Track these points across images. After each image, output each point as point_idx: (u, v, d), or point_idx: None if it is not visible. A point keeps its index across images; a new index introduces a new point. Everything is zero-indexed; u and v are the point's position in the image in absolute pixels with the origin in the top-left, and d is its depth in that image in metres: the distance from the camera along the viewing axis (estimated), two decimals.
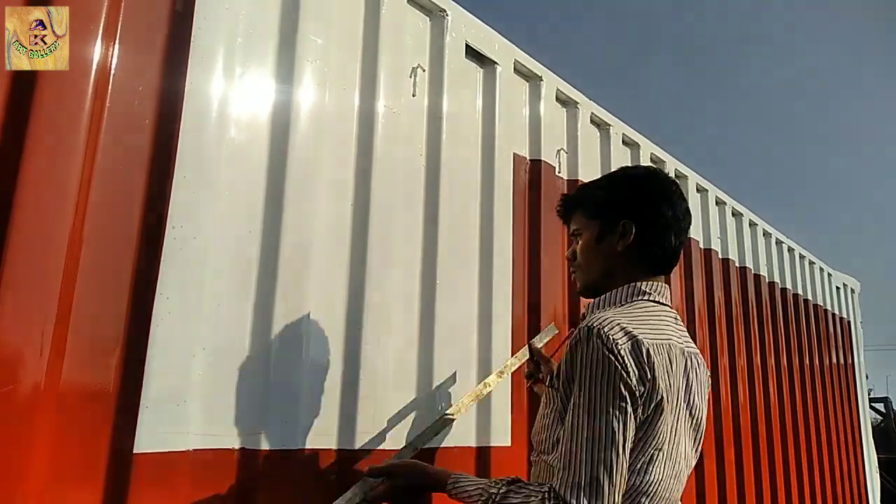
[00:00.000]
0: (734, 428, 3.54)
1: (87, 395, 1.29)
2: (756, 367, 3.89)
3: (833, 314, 5.39)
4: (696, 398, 1.31)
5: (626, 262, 1.34)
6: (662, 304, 1.33)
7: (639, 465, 1.18)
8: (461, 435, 2.01)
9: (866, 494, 5.45)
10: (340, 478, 1.66)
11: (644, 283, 1.32)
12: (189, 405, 1.42)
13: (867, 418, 5.98)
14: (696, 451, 1.36)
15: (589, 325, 1.18)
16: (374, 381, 1.76)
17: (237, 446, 1.50)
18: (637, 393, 1.14)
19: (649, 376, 1.16)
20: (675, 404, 1.22)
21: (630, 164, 1.53)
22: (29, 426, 1.19)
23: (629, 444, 1.14)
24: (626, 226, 1.32)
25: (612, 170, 2.88)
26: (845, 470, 5.08)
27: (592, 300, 1.38)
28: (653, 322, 1.25)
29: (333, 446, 1.68)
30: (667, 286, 1.37)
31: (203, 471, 1.43)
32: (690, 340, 1.38)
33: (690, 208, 1.42)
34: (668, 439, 1.21)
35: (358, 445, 1.71)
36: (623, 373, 1.13)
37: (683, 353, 1.29)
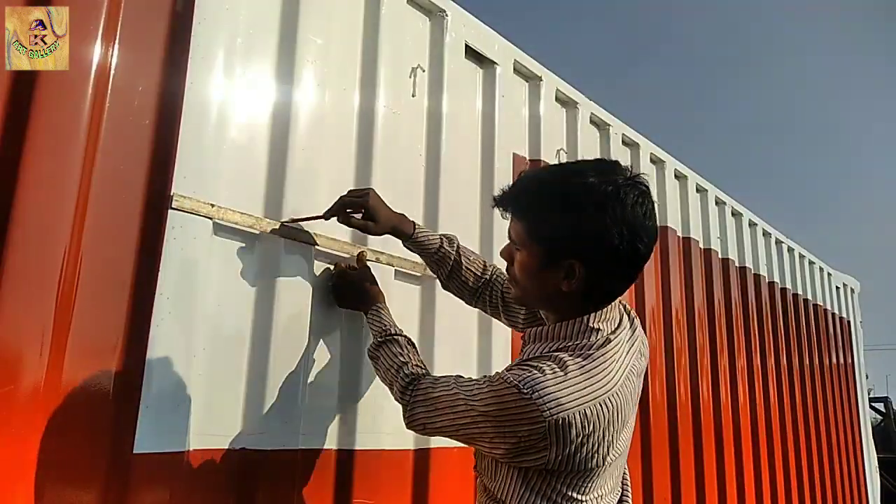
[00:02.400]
0: (734, 427, 3.54)
1: (87, 395, 1.29)
2: (756, 366, 3.89)
3: (833, 314, 5.39)
4: (634, 401, 1.25)
5: (572, 297, 1.18)
6: (611, 332, 1.19)
7: (565, 496, 1.16)
8: None
9: (866, 494, 5.45)
10: (340, 478, 1.66)
11: (593, 317, 1.18)
12: (189, 405, 1.42)
13: (867, 418, 5.98)
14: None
15: (516, 378, 1.10)
16: (374, 382, 1.76)
17: (237, 447, 1.50)
18: (543, 457, 1.12)
19: (577, 445, 1.11)
20: (617, 446, 1.19)
21: (597, 160, 1.40)
22: (29, 426, 1.19)
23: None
24: (572, 267, 1.14)
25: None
26: (845, 470, 5.08)
27: (531, 330, 1.27)
28: (600, 374, 1.13)
29: (333, 446, 1.68)
30: (614, 305, 1.23)
31: (203, 471, 1.43)
32: (642, 335, 1.30)
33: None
34: (602, 476, 1.20)
35: (358, 446, 1.71)
36: (527, 440, 1.10)
37: (632, 374, 1.21)
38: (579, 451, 1.12)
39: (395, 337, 1.52)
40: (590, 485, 1.18)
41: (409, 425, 1.37)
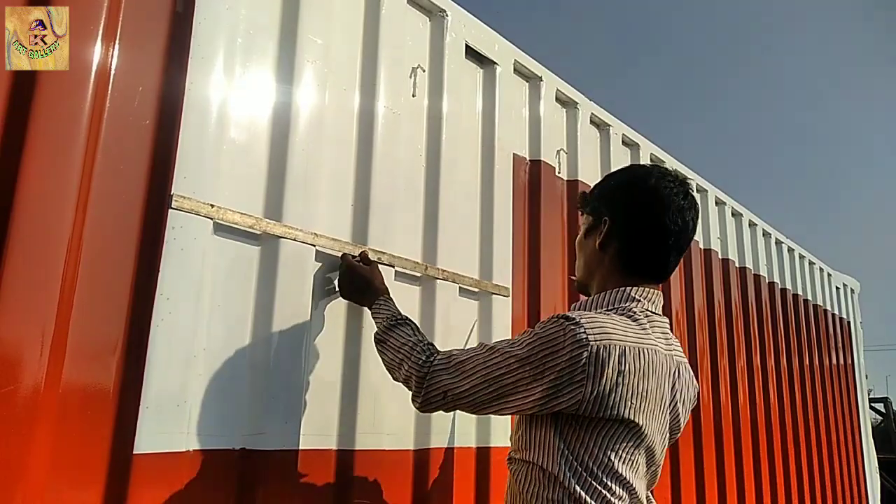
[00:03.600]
0: (734, 428, 3.54)
1: (87, 396, 1.29)
2: (756, 367, 3.89)
3: (833, 314, 5.39)
4: (679, 405, 1.31)
5: (609, 263, 1.30)
6: (653, 312, 1.28)
7: (600, 462, 1.18)
8: (461, 436, 2.01)
9: (866, 495, 5.45)
10: (340, 478, 1.66)
11: (634, 289, 1.27)
12: (189, 406, 1.42)
13: (867, 419, 5.97)
14: (664, 449, 1.35)
15: (566, 314, 1.19)
16: (374, 381, 1.76)
17: (237, 446, 1.50)
18: (574, 387, 1.14)
19: (612, 383, 1.15)
20: (646, 408, 1.20)
21: (638, 164, 1.52)
22: (29, 427, 1.19)
23: (519, 398, 1.19)
24: (605, 222, 1.30)
25: (612, 170, 2.90)
26: (845, 470, 5.07)
27: (576, 304, 1.35)
28: (639, 327, 1.22)
29: (333, 446, 1.68)
30: (660, 294, 1.32)
31: (203, 471, 1.43)
32: (681, 352, 1.36)
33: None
34: (631, 440, 1.21)
35: (358, 445, 1.71)
36: (574, 365, 1.14)
37: (672, 360, 1.28)
38: (613, 391, 1.15)
39: (406, 320, 1.53)
40: (622, 448, 1.19)
41: (427, 395, 1.34)
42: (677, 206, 1.26)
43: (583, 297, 1.36)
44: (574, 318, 1.16)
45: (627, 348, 1.17)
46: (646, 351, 1.20)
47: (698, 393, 1.43)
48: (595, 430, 1.18)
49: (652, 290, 1.30)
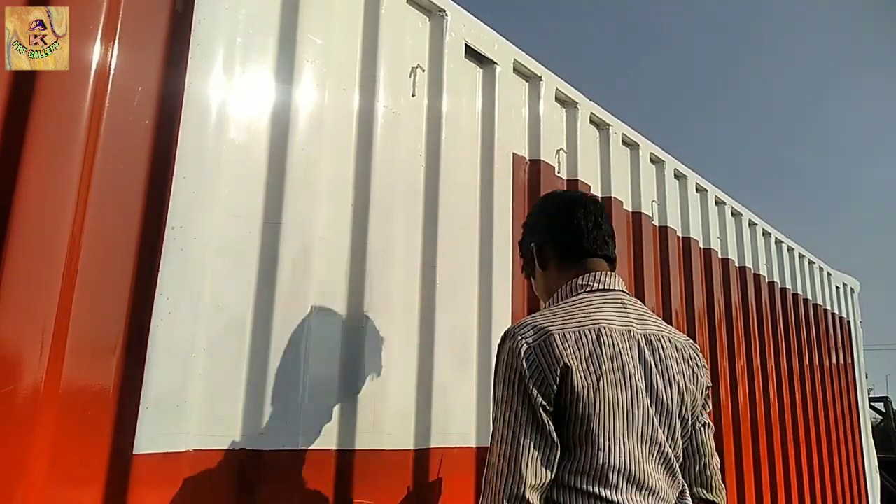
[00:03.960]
0: (734, 427, 3.54)
1: (88, 396, 1.29)
2: (756, 366, 3.89)
3: (833, 314, 5.39)
4: (657, 377, 1.27)
5: (556, 271, 1.41)
6: (606, 290, 1.34)
7: (575, 448, 1.18)
8: (461, 436, 2.01)
9: (866, 494, 5.45)
10: (340, 478, 1.66)
11: (580, 276, 1.36)
12: (189, 406, 1.42)
13: (867, 418, 5.98)
14: (668, 430, 1.28)
15: (506, 329, 1.26)
16: (374, 382, 1.76)
17: (237, 447, 1.50)
18: (545, 387, 1.17)
19: (559, 366, 1.17)
20: (606, 385, 1.20)
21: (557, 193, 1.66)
22: (29, 426, 1.19)
23: (546, 443, 1.17)
24: (531, 250, 1.44)
25: (612, 169, 2.91)
26: (845, 470, 5.08)
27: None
28: (583, 312, 1.27)
29: (333, 446, 1.67)
30: (610, 273, 1.38)
31: (203, 471, 1.43)
32: (650, 321, 1.34)
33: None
34: (599, 419, 1.19)
35: (358, 445, 1.71)
36: (526, 373, 1.18)
37: (630, 335, 1.27)
38: (564, 381, 1.17)
39: None
40: (588, 440, 1.18)
41: None
42: (566, 200, 1.47)
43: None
44: (508, 334, 1.25)
45: (566, 334, 1.21)
46: (588, 331, 1.22)
47: (706, 371, 1.42)
48: (570, 426, 1.19)
49: (598, 273, 1.37)
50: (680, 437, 1.29)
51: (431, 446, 1.89)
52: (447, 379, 1.98)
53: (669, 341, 1.34)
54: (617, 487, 1.16)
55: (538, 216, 1.49)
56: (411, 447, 1.86)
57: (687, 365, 1.36)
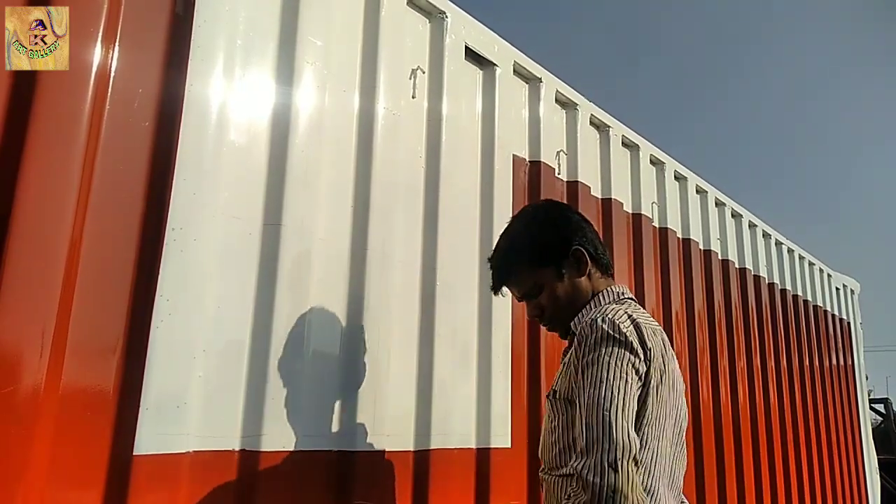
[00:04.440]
0: (734, 428, 3.54)
1: (88, 397, 1.29)
2: (756, 368, 3.89)
3: (833, 315, 5.39)
4: (679, 384, 1.37)
5: (589, 281, 1.42)
6: (636, 301, 1.42)
7: (645, 443, 1.23)
8: (461, 436, 2.01)
9: (866, 496, 5.44)
10: (340, 478, 1.66)
11: (616, 285, 1.43)
12: (189, 406, 1.42)
13: (867, 419, 5.97)
14: (681, 438, 1.38)
15: (592, 318, 1.27)
16: (374, 381, 1.76)
17: (237, 447, 1.50)
18: (640, 370, 1.22)
19: (649, 356, 1.23)
20: (668, 384, 1.29)
21: (538, 202, 1.72)
22: (29, 427, 1.19)
23: (632, 419, 1.19)
24: (577, 253, 1.40)
25: (612, 171, 2.90)
26: (845, 471, 5.07)
27: (575, 318, 1.40)
28: (643, 313, 1.35)
29: (333, 447, 1.67)
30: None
31: (203, 472, 1.43)
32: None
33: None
34: (665, 416, 1.27)
35: (358, 445, 1.71)
36: (629, 351, 1.21)
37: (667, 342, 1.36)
38: (653, 376, 1.24)
39: None
40: (662, 435, 1.26)
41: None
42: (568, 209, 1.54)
43: (580, 312, 1.41)
44: (606, 323, 1.24)
45: (651, 329, 1.28)
46: (658, 330, 1.31)
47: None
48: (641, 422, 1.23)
49: (623, 285, 1.45)
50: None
51: (431, 447, 1.89)
52: (447, 379, 1.98)
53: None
54: (659, 493, 1.23)
55: (569, 220, 1.45)
56: (411, 448, 1.86)
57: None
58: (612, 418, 1.15)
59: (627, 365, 1.20)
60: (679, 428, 1.33)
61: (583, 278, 1.41)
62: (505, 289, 1.50)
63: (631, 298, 1.41)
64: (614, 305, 1.33)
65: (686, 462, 1.39)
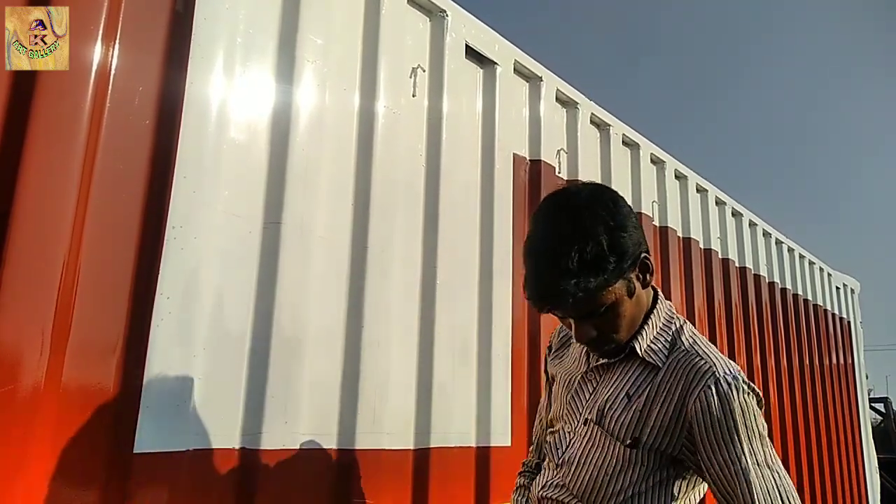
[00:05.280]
0: None
1: (87, 395, 1.29)
2: (756, 367, 3.89)
3: (833, 314, 5.38)
4: None
5: (646, 294, 1.20)
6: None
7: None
8: (461, 435, 2.01)
9: (866, 495, 5.45)
10: (340, 478, 1.66)
11: (661, 301, 1.23)
12: (189, 405, 1.42)
13: (867, 418, 5.97)
14: None
15: (726, 373, 1.10)
16: (374, 381, 1.76)
17: (237, 446, 1.50)
18: None
19: None
20: None
21: (578, 185, 1.26)
22: (29, 426, 1.19)
23: None
24: (645, 262, 1.14)
25: (612, 170, 2.90)
26: (845, 470, 5.07)
27: (640, 333, 1.19)
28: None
29: (333, 446, 1.68)
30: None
31: (203, 470, 1.43)
32: None
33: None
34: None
35: (358, 445, 1.71)
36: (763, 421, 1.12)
37: None
38: None
39: None
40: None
41: None
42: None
43: (639, 327, 1.20)
44: (742, 380, 1.12)
45: None
46: None
47: None
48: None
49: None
50: None
51: (431, 445, 1.89)
52: (447, 379, 1.99)
53: None
54: None
55: (629, 219, 1.13)
56: (411, 447, 1.86)
57: None
58: (790, 488, 1.09)
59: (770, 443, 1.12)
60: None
61: (641, 294, 1.17)
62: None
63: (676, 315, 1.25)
64: (698, 338, 1.19)
65: None
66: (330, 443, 1.67)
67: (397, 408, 1.83)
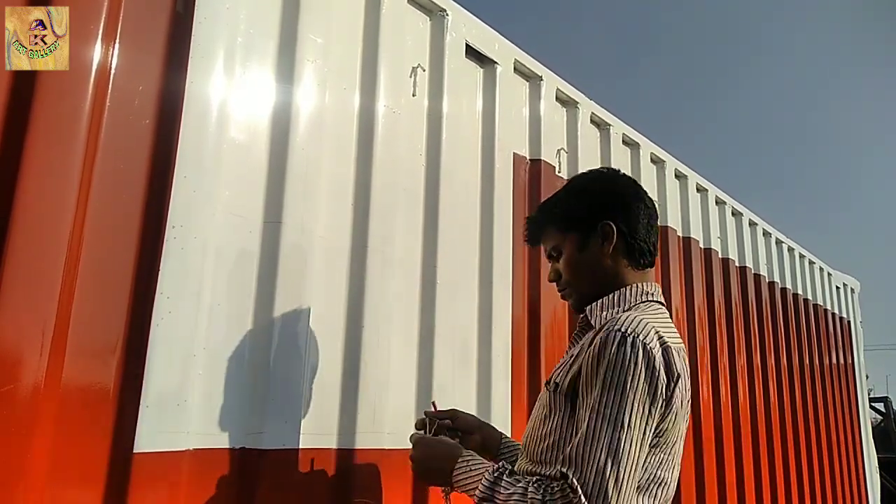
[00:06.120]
0: (734, 427, 3.54)
1: (87, 395, 1.29)
2: (756, 366, 3.89)
3: (833, 314, 5.38)
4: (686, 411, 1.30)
5: (614, 264, 1.32)
6: (663, 304, 1.33)
7: (653, 469, 1.17)
8: None
9: (866, 495, 5.45)
10: (340, 478, 1.66)
11: (645, 283, 1.32)
12: (189, 405, 1.42)
13: (867, 418, 5.97)
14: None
15: (621, 328, 1.15)
16: (374, 381, 1.76)
17: (237, 446, 1.50)
18: (662, 401, 1.14)
19: (673, 383, 1.15)
20: (685, 409, 1.22)
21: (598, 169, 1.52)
22: (29, 426, 1.19)
23: (644, 454, 1.13)
24: (606, 227, 1.30)
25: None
26: (845, 470, 5.07)
27: (593, 303, 1.32)
28: (669, 325, 1.25)
29: (333, 446, 1.68)
30: (658, 285, 1.36)
31: (203, 471, 1.43)
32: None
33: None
34: (676, 442, 1.21)
35: (358, 445, 1.71)
36: (657, 382, 1.12)
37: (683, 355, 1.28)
38: (674, 393, 1.15)
39: (501, 467, 1.24)
40: (664, 468, 1.19)
41: None
42: (647, 195, 1.39)
43: (600, 299, 1.31)
44: (634, 334, 1.14)
45: (674, 349, 1.18)
46: (681, 350, 1.22)
47: None
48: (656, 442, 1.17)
49: (656, 284, 1.35)
50: None
51: None
52: (447, 379, 1.99)
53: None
54: None
55: (613, 193, 1.35)
56: (411, 446, 1.86)
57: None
58: (625, 446, 1.08)
59: (650, 394, 1.11)
60: (680, 455, 1.26)
61: (607, 259, 1.30)
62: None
63: (660, 302, 1.31)
64: (640, 314, 1.20)
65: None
66: (330, 443, 1.67)
67: (397, 408, 1.83)
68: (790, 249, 4.69)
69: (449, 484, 1.30)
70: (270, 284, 1.60)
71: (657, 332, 1.16)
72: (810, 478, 4.38)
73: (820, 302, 5.11)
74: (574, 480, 1.06)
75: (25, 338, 1.21)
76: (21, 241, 1.22)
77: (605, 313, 1.28)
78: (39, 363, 1.21)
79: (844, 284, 5.72)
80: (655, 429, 1.14)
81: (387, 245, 1.86)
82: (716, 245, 3.72)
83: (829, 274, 5.39)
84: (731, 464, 3.45)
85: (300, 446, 1.59)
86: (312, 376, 1.66)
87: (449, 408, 1.60)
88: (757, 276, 4.13)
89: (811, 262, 5.03)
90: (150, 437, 1.34)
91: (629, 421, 1.09)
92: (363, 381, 1.75)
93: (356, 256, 1.80)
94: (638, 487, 1.14)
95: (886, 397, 9.32)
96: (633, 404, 1.10)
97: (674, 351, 1.17)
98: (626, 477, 1.07)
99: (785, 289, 4.52)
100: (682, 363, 1.19)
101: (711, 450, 3.31)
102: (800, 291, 4.76)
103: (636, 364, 1.11)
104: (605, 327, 1.18)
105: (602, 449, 1.08)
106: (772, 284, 4.33)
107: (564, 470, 1.09)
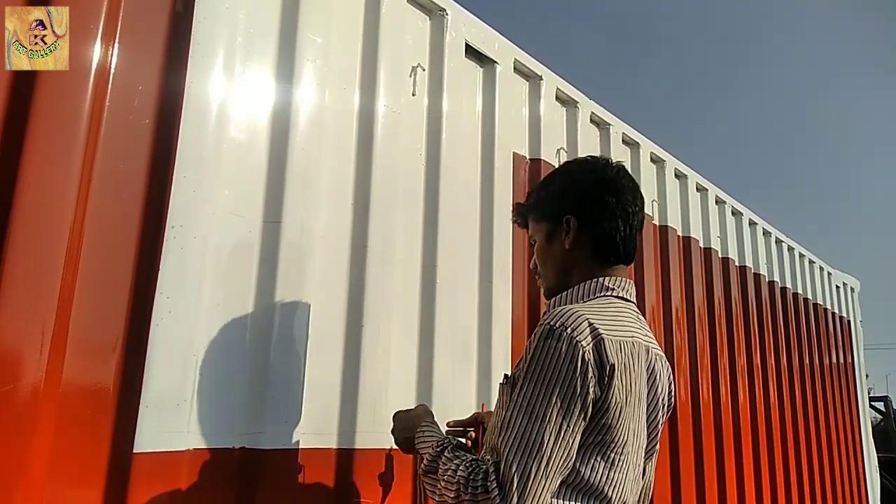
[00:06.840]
0: (734, 427, 3.54)
1: (87, 395, 1.29)
2: (756, 365, 3.89)
3: (833, 313, 5.38)
4: (658, 399, 1.27)
5: (579, 257, 1.29)
6: (627, 300, 1.29)
7: (588, 467, 1.15)
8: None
9: (866, 494, 5.45)
10: (340, 478, 1.67)
11: (607, 278, 1.28)
12: (189, 405, 1.42)
13: (867, 417, 5.97)
14: (650, 452, 1.32)
15: (551, 321, 1.14)
16: (374, 381, 1.76)
17: (237, 445, 1.50)
18: (590, 398, 1.11)
19: (606, 376, 1.12)
20: (632, 405, 1.18)
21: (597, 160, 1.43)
22: (29, 425, 1.19)
23: (567, 451, 1.10)
24: (568, 221, 1.29)
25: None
26: (845, 469, 5.08)
27: (553, 299, 1.33)
28: (618, 318, 1.21)
29: (333, 446, 1.68)
30: (630, 282, 1.32)
31: (203, 470, 1.43)
32: (651, 338, 1.31)
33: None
34: (618, 441, 1.17)
35: (358, 445, 1.71)
36: (581, 376, 1.10)
37: (648, 352, 1.25)
38: (605, 394, 1.12)
39: (453, 445, 1.27)
40: (599, 462, 1.16)
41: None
42: (629, 188, 1.32)
43: (561, 293, 1.32)
44: (562, 326, 1.13)
45: (612, 341, 1.15)
46: (626, 343, 1.18)
47: (675, 394, 1.39)
48: (593, 433, 1.14)
49: (624, 279, 1.30)
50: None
51: None
52: (447, 379, 1.99)
53: (664, 364, 1.31)
54: None
55: (590, 188, 1.30)
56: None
57: (668, 391, 1.33)
58: (537, 437, 1.08)
59: (570, 388, 1.09)
60: (638, 455, 1.23)
61: (571, 252, 1.29)
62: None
63: (621, 297, 1.27)
64: (579, 307, 1.18)
65: (647, 486, 1.34)
66: (330, 443, 1.67)
67: (397, 408, 1.83)
68: (790, 249, 4.69)
69: (415, 451, 1.39)
70: (270, 284, 1.60)
71: (591, 325, 1.13)
72: (810, 477, 4.39)
73: (820, 301, 5.11)
74: (491, 467, 1.09)
75: (25, 337, 1.21)
76: (21, 241, 1.22)
77: (560, 307, 1.24)
78: (39, 362, 1.21)
79: (844, 284, 5.72)
80: (591, 423, 1.12)
81: (387, 244, 1.86)
82: (716, 244, 3.72)
83: (829, 273, 5.39)
84: (731, 463, 3.45)
85: (300, 446, 1.59)
86: (312, 376, 1.66)
87: (471, 414, 1.65)
88: (757, 276, 4.13)
89: (811, 262, 5.04)
90: (149, 436, 1.34)
91: (545, 413, 1.09)
92: (363, 381, 1.75)
93: (356, 256, 1.80)
94: (580, 489, 1.14)
95: (886, 397, 9.33)
96: (550, 397, 1.09)
97: (610, 343, 1.14)
98: (536, 467, 1.07)
99: (785, 288, 4.52)
100: (623, 355, 1.15)
101: (711, 449, 3.31)
102: (800, 291, 4.76)
103: (559, 356, 1.10)
104: (541, 321, 1.19)
105: (515, 439, 1.09)
106: (772, 284, 4.33)
107: (489, 457, 1.13)
